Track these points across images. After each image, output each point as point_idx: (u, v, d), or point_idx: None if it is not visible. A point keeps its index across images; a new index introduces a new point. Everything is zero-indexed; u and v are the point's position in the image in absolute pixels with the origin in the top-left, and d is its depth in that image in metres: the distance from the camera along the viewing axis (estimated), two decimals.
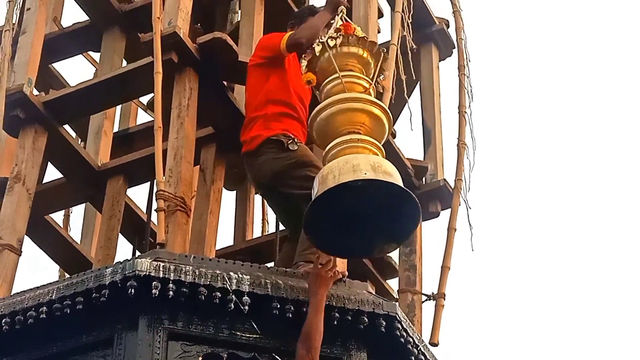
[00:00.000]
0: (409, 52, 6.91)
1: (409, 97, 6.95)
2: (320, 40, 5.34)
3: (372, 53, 5.35)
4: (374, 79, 5.34)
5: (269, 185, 5.61)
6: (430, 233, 7.09)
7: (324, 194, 4.91)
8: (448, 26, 7.60)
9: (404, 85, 6.69)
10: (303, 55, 5.54)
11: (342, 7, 5.61)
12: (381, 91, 6.13)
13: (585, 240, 18.03)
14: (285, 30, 5.92)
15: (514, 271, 16.31)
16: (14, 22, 6.85)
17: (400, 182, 4.98)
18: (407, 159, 6.90)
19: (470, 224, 6.74)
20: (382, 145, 5.20)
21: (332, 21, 5.55)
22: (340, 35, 5.33)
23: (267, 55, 5.78)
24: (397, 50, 6.41)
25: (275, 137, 5.56)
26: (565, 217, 17.25)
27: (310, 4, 7.87)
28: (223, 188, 6.94)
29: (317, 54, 5.31)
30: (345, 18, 5.52)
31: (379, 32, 7.20)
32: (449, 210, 6.92)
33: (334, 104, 5.18)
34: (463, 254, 7.00)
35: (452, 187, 6.99)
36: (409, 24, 6.63)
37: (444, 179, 7.04)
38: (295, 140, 5.54)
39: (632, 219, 17.19)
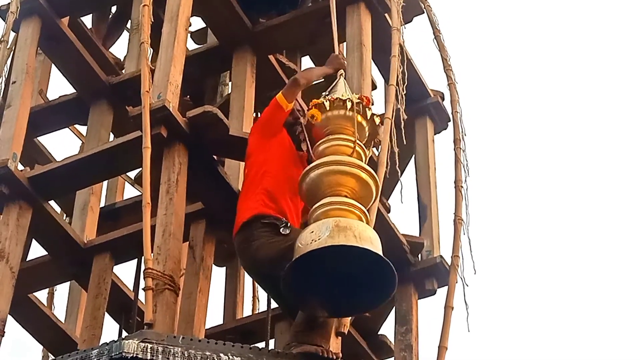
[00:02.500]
0: (402, 123, 6.93)
1: (403, 171, 6.97)
2: (320, 101, 5.59)
3: (367, 119, 5.63)
4: (369, 146, 5.66)
5: (263, 272, 5.60)
6: (427, 311, 7.06)
7: (302, 256, 5.17)
8: (443, 99, 7.66)
9: (397, 158, 6.69)
10: (297, 132, 5.64)
11: (342, 70, 5.91)
12: (375, 160, 6.18)
13: (580, 274, 18.01)
14: None
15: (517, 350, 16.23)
16: None
17: (378, 248, 5.22)
18: (403, 234, 6.89)
19: (466, 303, 6.71)
20: (377, 220, 5.39)
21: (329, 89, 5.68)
22: (338, 99, 5.60)
23: (264, 124, 5.85)
24: (391, 123, 6.42)
25: (267, 218, 5.57)
26: (560, 264, 17.25)
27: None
28: (213, 265, 6.91)
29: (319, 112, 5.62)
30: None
31: (372, 104, 7.23)
32: (446, 287, 6.88)
33: (323, 165, 5.46)
34: (461, 333, 6.95)
35: (449, 264, 6.96)
36: (404, 97, 6.66)
37: (441, 256, 7.02)
38: (288, 224, 5.57)
39: (627, 233, 17.22)
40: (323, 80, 6.61)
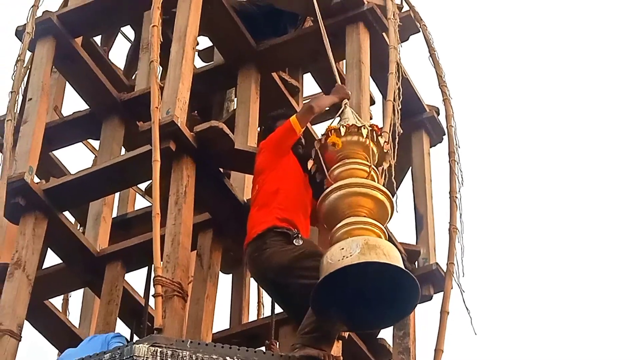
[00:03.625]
0: (397, 137, 6.95)
1: (400, 182, 6.98)
2: (337, 127, 5.68)
3: (378, 146, 5.73)
4: (381, 169, 5.75)
5: (274, 279, 5.60)
6: (424, 316, 7.06)
7: (329, 275, 5.19)
8: (438, 114, 7.65)
9: (395, 170, 6.70)
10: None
11: (346, 99, 5.97)
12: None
13: (573, 276, 17.95)
14: None
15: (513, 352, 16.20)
16: (15, 111, 6.89)
17: (400, 263, 5.25)
18: (400, 243, 6.90)
19: (467, 308, 6.71)
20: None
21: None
22: (354, 125, 5.69)
23: (266, 157, 5.84)
24: (389, 137, 6.44)
25: (280, 229, 5.59)
26: (552, 268, 17.22)
27: (302, 93, 7.96)
28: (219, 272, 6.92)
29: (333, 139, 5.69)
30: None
31: (371, 118, 7.25)
32: (442, 293, 6.89)
33: (343, 188, 5.53)
34: (457, 337, 6.97)
35: (445, 270, 6.97)
36: (400, 112, 6.67)
37: (436, 263, 7.03)
38: (300, 235, 5.60)
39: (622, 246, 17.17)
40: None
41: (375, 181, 5.65)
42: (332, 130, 5.71)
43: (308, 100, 6.01)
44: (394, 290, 5.30)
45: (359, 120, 5.84)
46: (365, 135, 5.67)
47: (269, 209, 5.66)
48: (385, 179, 6.17)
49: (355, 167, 5.64)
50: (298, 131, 5.85)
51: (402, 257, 5.44)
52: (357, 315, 5.38)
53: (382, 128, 6.51)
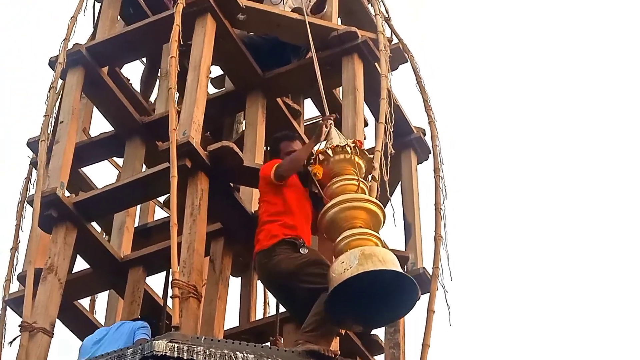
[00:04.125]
0: (389, 156, 6.94)
1: (391, 196, 6.95)
2: (324, 150, 5.69)
3: (362, 158, 5.76)
4: (367, 179, 5.80)
5: (281, 283, 5.59)
6: (412, 314, 7.02)
7: (336, 287, 5.24)
8: (424, 134, 7.63)
9: (387, 185, 6.69)
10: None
11: (331, 121, 5.92)
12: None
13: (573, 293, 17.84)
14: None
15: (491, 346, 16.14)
16: (48, 133, 6.88)
17: (395, 266, 5.31)
18: (391, 249, 6.86)
19: (448, 305, 6.70)
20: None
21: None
22: (338, 146, 5.72)
23: (267, 184, 5.83)
24: (381, 155, 6.43)
25: (289, 239, 5.58)
26: (535, 271, 17.15)
27: (303, 116, 7.95)
28: (230, 275, 6.90)
29: (322, 160, 5.71)
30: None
31: (365, 139, 7.25)
32: (428, 294, 6.86)
33: (338, 204, 5.56)
34: (442, 333, 6.94)
35: (431, 274, 6.94)
36: (391, 133, 6.66)
37: (423, 267, 7.00)
38: (305, 244, 5.60)
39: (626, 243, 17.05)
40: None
41: (365, 192, 5.68)
42: (320, 154, 5.75)
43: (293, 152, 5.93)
44: (394, 289, 5.35)
45: (343, 139, 5.85)
46: (350, 152, 5.71)
47: (278, 224, 5.64)
48: (378, 192, 6.18)
49: (346, 183, 5.68)
50: (285, 179, 5.79)
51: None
52: (368, 315, 5.44)
53: (374, 147, 6.51)
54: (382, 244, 5.53)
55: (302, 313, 5.45)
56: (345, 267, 5.25)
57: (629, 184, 17.78)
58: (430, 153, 7.59)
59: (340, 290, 5.24)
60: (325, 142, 5.84)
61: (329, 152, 5.72)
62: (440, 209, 7.20)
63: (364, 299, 5.36)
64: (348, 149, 5.72)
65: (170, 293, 5.65)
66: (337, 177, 5.71)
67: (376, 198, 6.29)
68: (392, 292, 5.37)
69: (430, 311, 6.76)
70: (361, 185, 5.68)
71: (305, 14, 7.05)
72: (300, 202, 5.78)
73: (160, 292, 7.25)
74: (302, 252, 5.53)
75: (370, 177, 6.06)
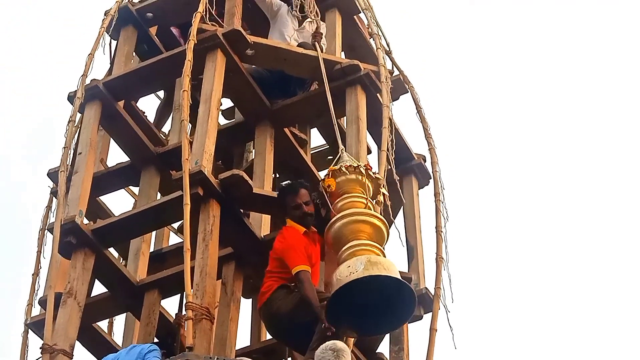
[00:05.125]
0: (396, 182, 6.93)
1: (394, 219, 6.94)
2: (335, 169, 5.76)
3: (371, 180, 5.84)
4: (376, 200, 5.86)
5: (285, 326, 5.62)
6: (416, 333, 7.00)
7: (343, 286, 5.26)
8: (425, 161, 7.62)
9: (390, 209, 6.68)
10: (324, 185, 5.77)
11: (342, 147, 6.02)
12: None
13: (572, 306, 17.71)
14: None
15: None
16: (68, 163, 6.88)
17: (398, 276, 5.33)
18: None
19: (450, 326, 6.66)
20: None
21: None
22: (351, 166, 5.81)
23: (277, 259, 5.81)
24: (383, 181, 6.41)
25: (285, 284, 5.64)
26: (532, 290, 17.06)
27: (309, 144, 7.94)
28: (241, 297, 6.87)
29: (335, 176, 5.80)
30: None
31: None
32: (431, 313, 6.83)
33: (346, 217, 5.62)
34: (444, 351, 6.89)
35: (433, 294, 6.91)
36: (393, 160, 6.66)
37: (426, 288, 6.97)
38: (297, 285, 5.60)
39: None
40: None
41: (371, 209, 5.70)
42: (332, 171, 5.77)
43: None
44: (394, 299, 5.36)
45: (354, 161, 5.89)
46: (361, 174, 5.76)
47: (276, 276, 5.71)
48: (380, 213, 6.15)
49: (354, 199, 5.72)
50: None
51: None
52: (364, 323, 5.43)
53: (377, 173, 6.50)
54: (385, 257, 5.53)
55: (304, 345, 5.48)
56: (351, 270, 5.26)
57: (629, 185, 17.64)
58: (431, 178, 7.59)
59: (343, 293, 5.24)
60: (337, 163, 5.89)
61: (344, 169, 5.77)
62: (441, 231, 7.18)
63: (363, 306, 5.36)
64: (362, 169, 5.77)
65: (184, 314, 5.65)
66: (346, 194, 5.74)
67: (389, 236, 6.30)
68: (391, 302, 5.37)
69: (432, 330, 6.73)
70: (369, 204, 5.71)
71: (319, 50, 7.06)
72: (307, 247, 5.79)
73: (174, 314, 7.20)
74: (295, 291, 5.57)
75: (374, 201, 6.05)
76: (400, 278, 5.32)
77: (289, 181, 6.36)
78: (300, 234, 5.85)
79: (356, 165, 5.79)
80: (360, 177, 5.77)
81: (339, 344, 5.13)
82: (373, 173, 5.85)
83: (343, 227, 5.59)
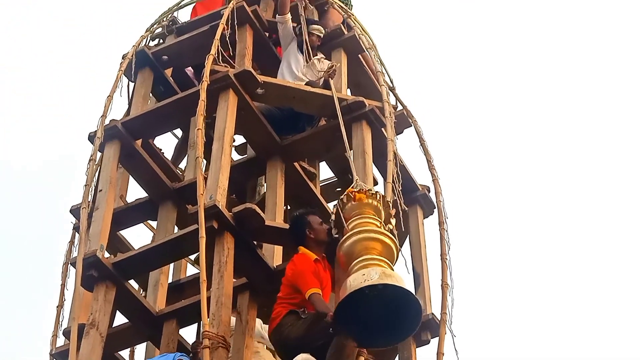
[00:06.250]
0: (402, 212, 6.87)
1: (400, 248, 6.87)
2: (357, 191, 5.75)
3: (382, 204, 5.80)
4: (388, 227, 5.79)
5: (296, 351, 5.53)
6: (423, 357, 6.90)
7: (355, 291, 5.21)
8: (429, 191, 7.58)
9: (396, 238, 6.60)
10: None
11: (357, 178, 6.01)
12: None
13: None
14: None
15: None
16: (89, 200, 6.87)
17: (405, 286, 5.27)
18: None
19: (456, 350, 6.57)
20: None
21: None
22: (368, 190, 5.80)
23: (290, 285, 5.76)
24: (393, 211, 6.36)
25: (293, 310, 5.59)
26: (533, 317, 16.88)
27: (318, 177, 7.89)
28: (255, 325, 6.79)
29: (346, 202, 5.77)
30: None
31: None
32: (437, 338, 6.73)
33: (357, 234, 5.59)
34: None
35: (439, 319, 6.82)
36: (399, 191, 6.60)
37: (432, 313, 6.89)
38: (305, 311, 5.56)
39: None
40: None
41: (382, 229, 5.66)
42: (351, 192, 5.78)
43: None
44: (401, 312, 5.30)
45: (365, 186, 5.87)
46: (376, 199, 5.75)
47: (285, 303, 5.67)
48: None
49: (367, 220, 5.69)
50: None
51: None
52: (368, 334, 5.34)
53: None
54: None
55: None
56: (366, 277, 5.22)
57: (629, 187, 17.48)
58: (435, 208, 7.53)
59: (354, 299, 5.18)
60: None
61: (363, 194, 5.75)
62: (446, 259, 7.13)
63: (369, 319, 5.29)
64: (378, 196, 5.76)
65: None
66: (359, 215, 5.71)
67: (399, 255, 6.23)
68: (397, 316, 5.29)
69: (439, 353, 6.64)
70: (378, 224, 5.66)
71: (333, 88, 7.03)
72: (316, 273, 5.73)
73: (192, 343, 7.12)
74: (303, 317, 5.52)
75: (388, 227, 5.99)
76: (411, 290, 5.28)
77: (302, 209, 6.29)
78: (311, 261, 5.81)
79: (374, 191, 5.78)
80: (374, 202, 5.75)
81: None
82: (387, 202, 5.81)
83: (355, 244, 5.55)
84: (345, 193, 5.80)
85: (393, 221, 5.98)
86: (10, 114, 17.58)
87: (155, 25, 8.13)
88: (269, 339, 5.83)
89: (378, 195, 5.75)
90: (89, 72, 17.53)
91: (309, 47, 7.48)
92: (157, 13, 8.30)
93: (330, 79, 7.17)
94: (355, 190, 5.77)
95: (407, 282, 5.36)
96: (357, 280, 5.23)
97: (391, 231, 5.87)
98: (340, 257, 5.63)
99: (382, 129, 7.05)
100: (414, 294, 5.33)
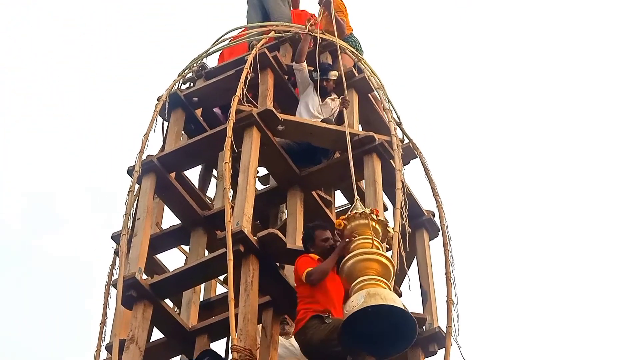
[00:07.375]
0: (407, 234, 7.01)
1: (408, 268, 6.99)
2: (349, 215, 5.82)
3: (378, 223, 5.89)
4: (384, 241, 5.92)
5: (318, 353, 5.65)
6: None
7: (347, 318, 5.35)
8: (434, 216, 7.66)
9: (404, 259, 6.75)
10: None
11: (357, 197, 6.06)
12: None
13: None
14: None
15: None
16: (128, 227, 7.00)
17: (396, 303, 5.38)
18: (411, 312, 6.85)
19: (464, 358, 6.67)
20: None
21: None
22: (357, 212, 5.88)
23: (300, 283, 5.91)
24: (398, 235, 6.50)
25: (317, 314, 5.67)
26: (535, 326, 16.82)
27: (334, 204, 8.04)
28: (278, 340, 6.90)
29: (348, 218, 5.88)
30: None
31: (384, 211, 7.27)
32: (444, 349, 6.84)
33: (355, 256, 5.70)
34: None
35: (445, 332, 6.92)
36: (406, 216, 6.74)
37: (439, 327, 6.98)
38: (329, 316, 5.65)
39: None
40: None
41: (379, 249, 5.77)
42: (347, 217, 5.90)
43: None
44: (400, 324, 5.42)
45: (363, 208, 5.98)
46: (369, 217, 5.84)
47: (309, 306, 5.74)
48: (397, 265, 6.22)
49: (362, 241, 5.79)
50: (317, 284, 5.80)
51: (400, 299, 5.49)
52: (378, 346, 5.45)
53: (393, 228, 6.59)
54: (390, 289, 5.59)
55: None
56: (353, 305, 5.36)
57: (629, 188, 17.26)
58: (440, 231, 7.61)
59: (351, 323, 5.30)
60: (352, 210, 5.99)
61: (357, 215, 5.85)
62: (450, 277, 7.20)
63: (372, 333, 5.40)
64: (372, 215, 5.85)
65: (230, 357, 5.69)
66: (357, 236, 5.82)
67: (396, 272, 6.36)
68: (396, 328, 5.41)
69: None
70: (375, 243, 5.77)
71: (347, 121, 7.15)
72: (330, 282, 5.83)
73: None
74: (327, 322, 5.59)
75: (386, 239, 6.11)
76: (394, 304, 5.36)
77: (313, 223, 6.44)
78: (310, 258, 5.92)
79: (363, 211, 5.89)
80: (368, 221, 5.86)
81: None
82: (378, 217, 5.90)
83: (353, 265, 5.68)
84: (340, 219, 5.93)
85: (394, 248, 6.13)
86: (10, 114, 17.29)
87: (186, 71, 8.32)
88: (295, 337, 5.88)
89: (371, 216, 5.84)
90: (89, 72, 17.14)
91: (324, 89, 7.62)
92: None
93: (344, 108, 7.35)
94: (349, 214, 5.88)
95: (395, 296, 5.43)
96: (347, 308, 5.41)
97: (400, 258, 6.03)
98: (342, 278, 5.74)
99: (391, 160, 7.17)
100: (400, 305, 5.35)
